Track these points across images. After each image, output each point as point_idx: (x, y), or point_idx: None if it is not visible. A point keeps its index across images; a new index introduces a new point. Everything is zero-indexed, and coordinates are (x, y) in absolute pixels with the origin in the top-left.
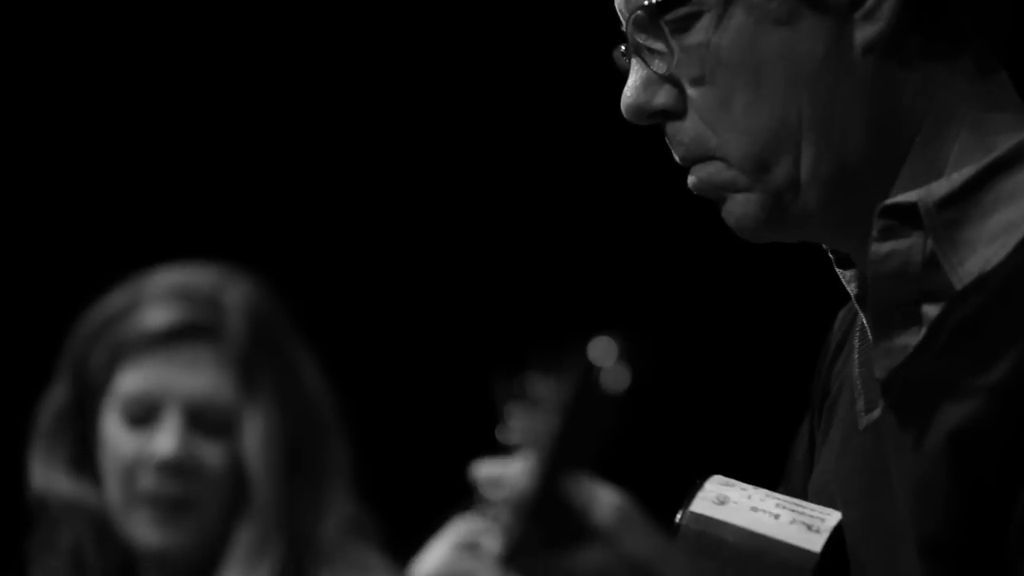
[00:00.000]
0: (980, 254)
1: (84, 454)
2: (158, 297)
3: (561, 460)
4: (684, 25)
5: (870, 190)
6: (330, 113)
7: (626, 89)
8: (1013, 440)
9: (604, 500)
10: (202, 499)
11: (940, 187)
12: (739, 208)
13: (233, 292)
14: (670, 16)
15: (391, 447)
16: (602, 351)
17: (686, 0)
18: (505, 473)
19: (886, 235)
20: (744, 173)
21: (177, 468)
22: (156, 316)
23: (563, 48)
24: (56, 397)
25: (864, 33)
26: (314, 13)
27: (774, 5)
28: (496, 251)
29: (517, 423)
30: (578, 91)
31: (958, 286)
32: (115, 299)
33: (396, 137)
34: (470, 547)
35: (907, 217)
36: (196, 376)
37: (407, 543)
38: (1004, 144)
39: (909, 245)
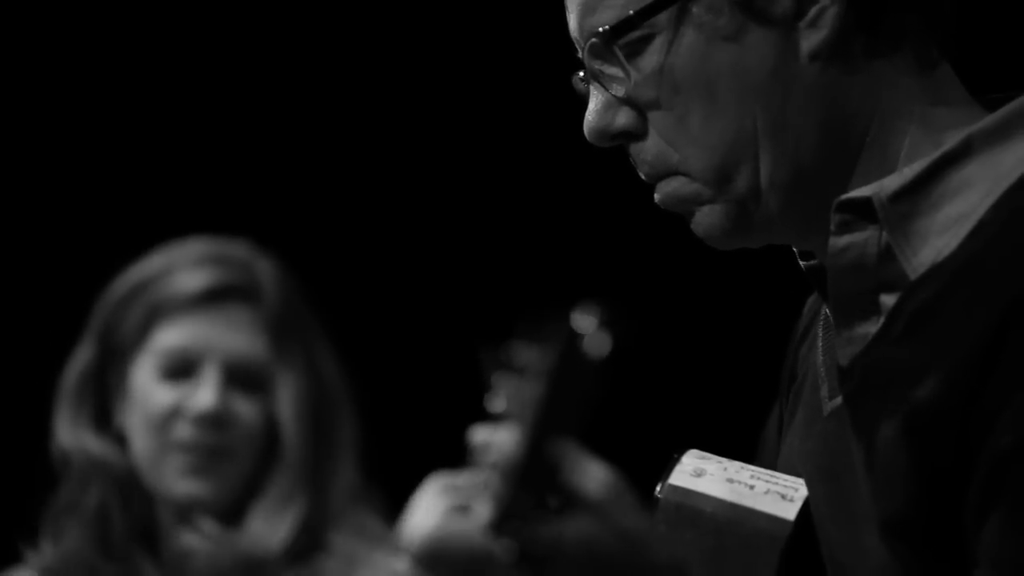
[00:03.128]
0: (932, 245)
1: (106, 414)
2: (194, 261)
3: (547, 426)
4: (638, 48)
5: (827, 190)
6: (317, 104)
7: (587, 114)
8: (966, 423)
9: (593, 473)
10: (236, 451)
11: (892, 181)
12: (706, 219)
13: (263, 261)
14: (623, 40)
15: (383, 417)
16: (584, 319)
17: (638, 24)
18: (494, 439)
19: (843, 229)
20: (707, 185)
21: (216, 420)
22: (195, 278)
23: (535, 38)
24: (81, 359)
25: (809, 42)
26: (316, 8)
27: (722, 22)
28: (480, 225)
29: (504, 391)
30: (557, 68)
31: (912, 276)
32: (148, 265)
33: (383, 118)
34: (460, 508)
35: (862, 211)
36: (235, 335)
37: (398, 510)
38: (952, 138)
39: (865, 238)
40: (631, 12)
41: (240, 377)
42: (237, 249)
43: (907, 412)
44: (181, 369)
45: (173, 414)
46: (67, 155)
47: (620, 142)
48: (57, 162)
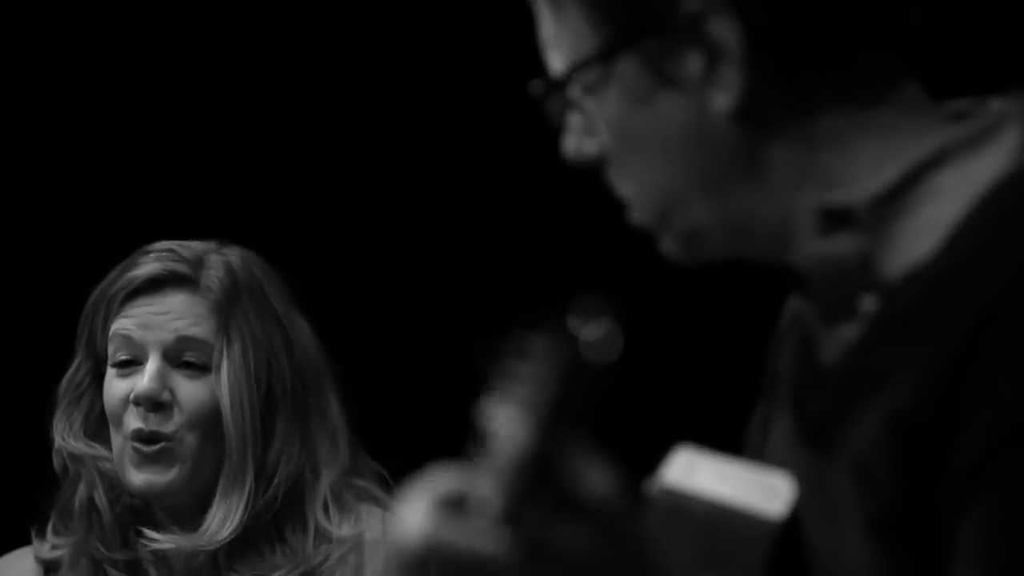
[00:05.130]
0: (909, 251)
1: (99, 419)
2: (147, 256)
3: (554, 427)
4: (578, 96)
5: (774, 223)
6: (316, 100)
7: (566, 134)
8: (943, 425)
9: (595, 479)
10: (183, 437)
11: (870, 187)
12: (664, 246)
13: (218, 253)
14: (567, 90)
15: (386, 411)
16: (593, 317)
17: (570, 81)
18: (498, 435)
19: (821, 235)
20: (653, 218)
21: (155, 404)
22: (141, 269)
23: (530, 38)
24: (73, 366)
25: (720, 103)
26: (310, 10)
27: (638, 85)
28: (483, 220)
29: (507, 389)
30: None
31: (891, 281)
32: (115, 268)
33: (379, 112)
34: (456, 506)
35: (841, 218)
36: (175, 319)
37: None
38: (920, 148)
39: (842, 243)
40: (566, 69)
41: (182, 361)
42: (196, 244)
43: (887, 414)
44: (127, 360)
45: (125, 405)
46: (86, 167)
47: (593, 165)
48: (77, 173)
